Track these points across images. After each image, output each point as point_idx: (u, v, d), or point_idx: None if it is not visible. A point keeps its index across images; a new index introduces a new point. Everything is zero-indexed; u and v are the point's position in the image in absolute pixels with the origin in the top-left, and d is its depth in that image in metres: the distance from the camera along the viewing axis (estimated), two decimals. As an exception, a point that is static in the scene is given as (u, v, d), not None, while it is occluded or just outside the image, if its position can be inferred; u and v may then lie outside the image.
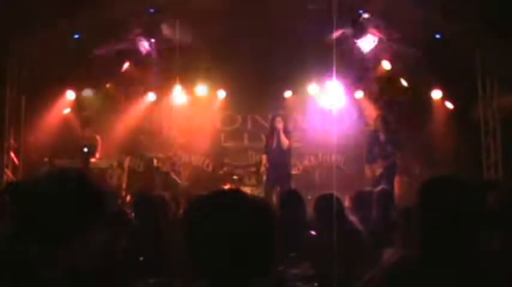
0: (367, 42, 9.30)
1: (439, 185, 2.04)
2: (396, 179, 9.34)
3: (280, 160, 8.39)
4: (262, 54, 9.62)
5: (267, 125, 10.31)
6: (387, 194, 5.41)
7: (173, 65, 9.86)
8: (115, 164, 9.70)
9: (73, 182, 1.78)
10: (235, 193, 1.62)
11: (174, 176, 9.51)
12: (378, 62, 9.85)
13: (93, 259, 1.75)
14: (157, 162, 9.56)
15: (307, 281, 3.52)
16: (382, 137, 8.46)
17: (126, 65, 9.92)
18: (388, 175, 8.33)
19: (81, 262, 1.68)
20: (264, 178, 8.65)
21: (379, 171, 8.33)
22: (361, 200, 5.56)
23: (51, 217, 1.68)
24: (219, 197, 1.61)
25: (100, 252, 1.88)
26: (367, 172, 8.48)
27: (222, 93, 10.55)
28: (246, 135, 10.82)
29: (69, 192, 1.74)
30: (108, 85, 10.16)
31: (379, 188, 5.67)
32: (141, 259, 2.58)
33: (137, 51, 9.73)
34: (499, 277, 1.85)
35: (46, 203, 1.70)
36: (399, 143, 8.49)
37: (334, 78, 10.22)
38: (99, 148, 8.84)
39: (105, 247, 2.18)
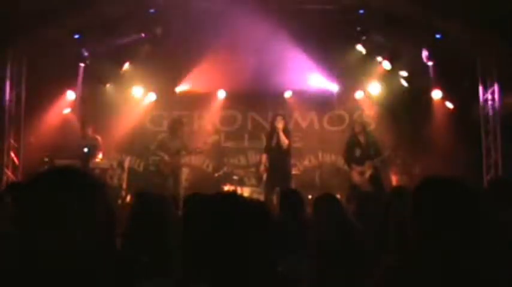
0: None
1: (433, 186, 2.04)
2: (395, 179, 9.38)
3: (280, 159, 8.39)
4: (262, 54, 9.62)
5: (267, 125, 10.32)
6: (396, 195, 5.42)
7: (173, 65, 9.88)
8: (115, 164, 9.70)
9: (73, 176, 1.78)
10: (233, 196, 1.63)
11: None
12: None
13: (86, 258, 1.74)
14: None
15: (307, 281, 3.53)
16: (362, 139, 8.53)
17: (126, 65, 9.92)
18: (379, 176, 8.39)
19: (67, 262, 1.68)
20: (264, 178, 8.65)
21: (368, 173, 8.37)
22: (360, 199, 5.57)
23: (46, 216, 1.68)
24: (218, 200, 1.62)
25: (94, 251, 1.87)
26: (355, 175, 8.48)
27: (222, 93, 10.55)
28: (246, 136, 10.82)
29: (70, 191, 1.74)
30: (108, 85, 10.17)
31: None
32: (141, 260, 2.58)
33: (137, 51, 9.76)
34: (497, 278, 1.86)
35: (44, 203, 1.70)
36: (379, 145, 8.59)
37: (334, 78, 10.31)
38: (100, 149, 8.82)
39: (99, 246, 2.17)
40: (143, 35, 9.47)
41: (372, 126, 10.04)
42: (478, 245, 1.90)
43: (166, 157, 8.94)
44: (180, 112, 10.48)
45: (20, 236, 1.69)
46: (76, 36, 9.22)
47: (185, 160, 10.27)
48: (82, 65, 9.69)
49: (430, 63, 9.70)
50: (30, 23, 8.18)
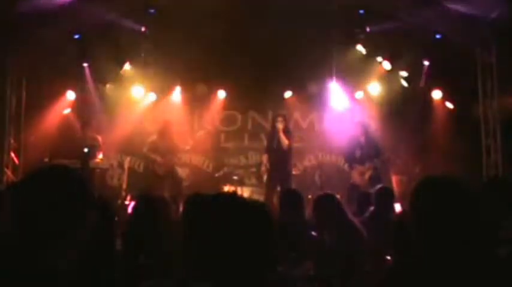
0: None
1: (433, 185, 2.04)
2: (395, 179, 9.38)
3: (280, 160, 8.40)
4: (262, 54, 9.63)
5: (267, 125, 10.33)
6: (387, 193, 5.44)
7: (173, 65, 9.88)
8: (115, 164, 9.71)
9: (66, 179, 1.78)
10: (234, 196, 1.63)
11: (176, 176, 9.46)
12: None
13: (79, 259, 1.74)
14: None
15: (307, 281, 3.53)
16: (363, 140, 8.55)
17: (126, 65, 9.92)
18: (379, 176, 8.40)
19: (66, 262, 1.68)
20: (265, 178, 8.65)
21: (368, 173, 8.39)
22: (360, 199, 5.58)
23: (43, 215, 1.68)
24: (219, 201, 1.62)
25: (89, 252, 1.87)
26: (355, 175, 8.50)
27: (222, 93, 10.55)
28: (246, 135, 10.81)
29: (62, 190, 1.73)
30: (108, 85, 10.16)
31: (379, 186, 5.70)
32: (141, 260, 2.58)
33: (137, 51, 9.77)
34: (496, 278, 1.86)
35: (39, 202, 1.70)
36: (380, 146, 8.61)
37: (334, 78, 10.32)
38: (100, 149, 8.81)
39: (96, 246, 2.18)
40: (143, 34, 9.47)
41: (372, 127, 10.04)
42: (477, 244, 1.90)
43: (158, 158, 8.96)
44: (180, 112, 10.49)
45: (18, 236, 1.69)
46: (76, 36, 9.22)
47: (184, 159, 10.30)
48: (86, 64, 9.72)
49: (429, 63, 9.71)
50: (30, 23, 8.19)
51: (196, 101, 10.60)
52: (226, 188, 9.06)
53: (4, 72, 9.11)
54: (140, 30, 9.39)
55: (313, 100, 10.52)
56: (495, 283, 1.85)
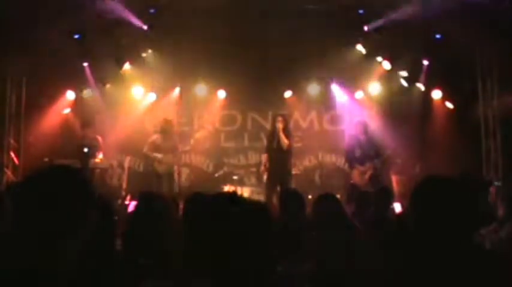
0: None
1: (433, 185, 2.05)
2: (395, 179, 9.40)
3: (280, 160, 8.39)
4: (262, 54, 9.63)
5: (267, 125, 10.34)
6: (387, 193, 5.45)
7: (173, 65, 9.88)
8: (115, 164, 9.71)
9: (69, 179, 1.77)
10: (234, 196, 1.64)
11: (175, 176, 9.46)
12: None
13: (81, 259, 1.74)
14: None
15: (307, 281, 3.53)
16: (363, 140, 8.57)
17: (126, 65, 9.93)
18: (378, 176, 8.41)
19: (67, 263, 1.68)
20: (264, 177, 8.65)
21: (368, 173, 8.40)
22: (359, 199, 5.58)
23: (43, 215, 1.68)
24: (219, 200, 1.62)
25: (89, 252, 1.87)
26: (355, 175, 8.51)
27: (222, 93, 10.56)
28: (246, 135, 10.82)
29: (62, 190, 1.73)
30: (108, 85, 10.17)
31: (378, 187, 5.71)
32: (141, 261, 2.58)
33: (137, 51, 9.78)
34: (493, 276, 1.86)
35: (40, 202, 1.70)
36: (380, 146, 8.62)
37: (334, 78, 10.33)
38: (100, 149, 8.81)
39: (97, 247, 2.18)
40: (143, 34, 9.47)
41: (372, 126, 10.05)
42: (476, 243, 1.90)
43: (159, 156, 8.94)
44: (180, 112, 10.49)
45: (19, 236, 1.69)
46: (76, 36, 9.22)
47: (184, 159, 10.29)
48: (86, 64, 9.74)
49: (429, 63, 9.72)
50: (30, 23, 8.19)
51: (196, 101, 10.60)
52: (226, 188, 9.05)
53: (4, 72, 9.12)
54: (140, 30, 9.39)
55: (313, 100, 10.55)
56: (494, 282, 1.85)
